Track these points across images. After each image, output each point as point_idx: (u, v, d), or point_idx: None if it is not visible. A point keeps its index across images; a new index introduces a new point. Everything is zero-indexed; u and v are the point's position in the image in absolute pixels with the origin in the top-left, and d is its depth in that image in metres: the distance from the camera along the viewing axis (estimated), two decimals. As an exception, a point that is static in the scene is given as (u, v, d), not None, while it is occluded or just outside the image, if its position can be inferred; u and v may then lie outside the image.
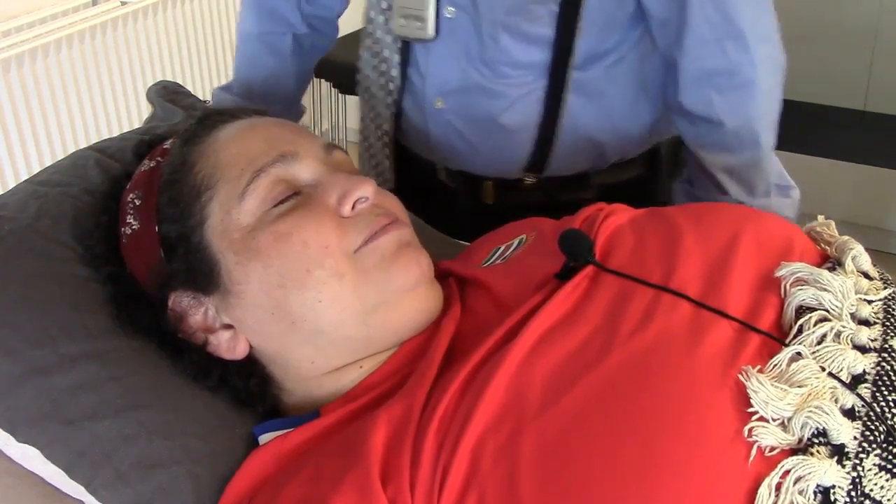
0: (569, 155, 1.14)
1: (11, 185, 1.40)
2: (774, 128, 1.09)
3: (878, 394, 0.65)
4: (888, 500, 0.60)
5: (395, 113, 1.21)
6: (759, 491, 0.59)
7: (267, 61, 1.27)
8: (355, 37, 3.16)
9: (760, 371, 0.65)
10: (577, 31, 1.07)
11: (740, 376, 0.64)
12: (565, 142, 1.12)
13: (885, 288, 0.75)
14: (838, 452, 0.61)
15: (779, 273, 0.74)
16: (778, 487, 0.59)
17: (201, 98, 1.18)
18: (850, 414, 0.63)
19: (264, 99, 1.26)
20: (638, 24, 1.10)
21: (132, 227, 0.83)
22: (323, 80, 2.85)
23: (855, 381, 0.66)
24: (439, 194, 1.26)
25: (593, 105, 1.11)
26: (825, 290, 0.71)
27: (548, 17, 1.06)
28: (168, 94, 1.12)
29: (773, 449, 0.61)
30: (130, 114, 2.44)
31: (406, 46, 1.15)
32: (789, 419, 0.62)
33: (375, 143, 1.27)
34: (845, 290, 0.71)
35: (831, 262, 0.78)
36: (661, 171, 1.23)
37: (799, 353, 0.67)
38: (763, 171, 1.09)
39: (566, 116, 1.11)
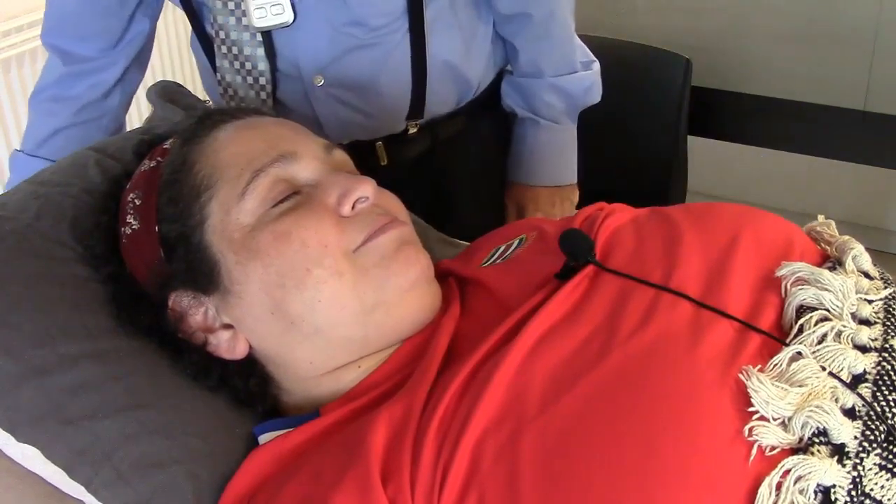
0: (440, 90, 1.23)
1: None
2: (572, 14, 1.29)
3: (878, 393, 0.65)
4: (888, 499, 0.60)
5: (272, 108, 1.20)
6: (760, 490, 0.59)
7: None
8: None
9: (761, 370, 0.65)
10: None
11: (741, 376, 0.64)
12: (434, 77, 1.21)
13: (886, 287, 0.75)
14: (839, 452, 0.61)
15: (779, 273, 0.74)
16: (778, 487, 0.59)
17: (201, 98, 1.18)
18: (850, 413, 0.63)
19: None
20: None
21: (132, 226, 0.83)
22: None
23: (855, 381, 0.66)
24: None
25: (446, 38, 1.20)
26: (826, 289, 0.71)
27: None
28: (168, 94, 1.12)
29: (773, 448, 0.61)
30: (130, 114, 2.43)
31: (268, 38, 1.15)
32: (790, 419, 0.62)
33: None
34: (846, 290, 0.71)
35: (832, 261, 0.78)
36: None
37: (799, 353, 0.67)
38: (569, 51, 1.30)
39: (430, 52, 1.19)
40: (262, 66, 1.16)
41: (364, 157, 1.19)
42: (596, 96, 1.35)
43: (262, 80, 1.17)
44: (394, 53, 1.18)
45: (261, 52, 1.15)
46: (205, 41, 1.21)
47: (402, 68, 1.19)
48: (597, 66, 1.34)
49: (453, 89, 1.26)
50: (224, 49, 1.16)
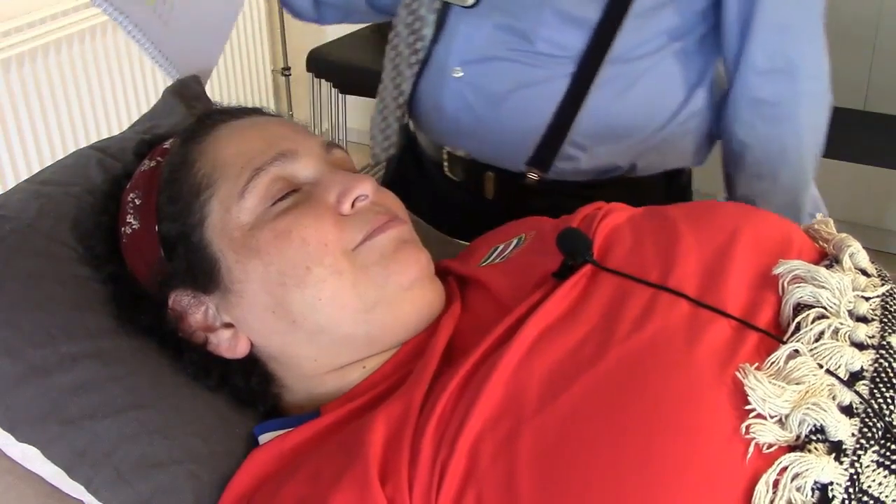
0: (577, 153, 1.13)
1: (11, 185, 1.40)
2: (815, 161, 1.13)
3: (875, 390, 0.65)
4: (886, 496, 0.60)
5: (415, 75, 1.19)
6: (757, 488, 0.59)
7: None
8: (355, 37, 3.16)
9: (758, 368, 0.65)
10: (623, 23, 1.06)
11: (738, 374, 0.64)
12: (576, 138, 1.11)
13: (883, 284, 0.75)
14: (836, 449, 0.61)
15: (776, 271, 0.74)
16: (776, 484, 0.59)
17: (212, 99, 1.18)
18: (847, 411, 0.63)
19: None
20: (681, 36, 1.10)
21: (132, 226, 0.83)
22: (323, 81, 2.85)
23: (853, 378, 0.66)
24: (441, 191, 1.25)
25: (616, 103, 1.10)
26: (823, 287, 0.71)
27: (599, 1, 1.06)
28: (182, 89, 1.11)
29: (770, 446, 0.61)
30: (130, 113, 2.44)
31: (443, 11, 1.14)
32: (787, 416, 0.62)
33: (391, 103, 1.25)
34: (843, 287, 0.71)
35: (829, 259, 0.78)
36: (675, 201, 1.20)
37: (797, 351, 0.67)
38: (798, 201, 1.15)
39: (585, 110, 1.09)
40: (427, 31, 1.15)
41: (472, 179, 1.19)
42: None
43: (419, 45, 1.16)
44: (544, 87, 1.10)
45: (431, 18, 1.14)
46: None
47: (545, 107, 1.10)
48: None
49: (591, 163, 1.14)
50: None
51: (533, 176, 1.15)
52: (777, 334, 0.70)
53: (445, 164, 1.24)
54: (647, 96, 1.11)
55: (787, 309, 0.71)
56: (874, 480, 0.60)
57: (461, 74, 1.13)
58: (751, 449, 0.61)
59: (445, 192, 1.26)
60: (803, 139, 1.12)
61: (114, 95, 2.39)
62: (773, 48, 1.07)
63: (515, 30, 1.08)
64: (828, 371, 0.66)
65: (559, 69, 1.09)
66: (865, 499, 0.60)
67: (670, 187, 1.21)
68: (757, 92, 1.10)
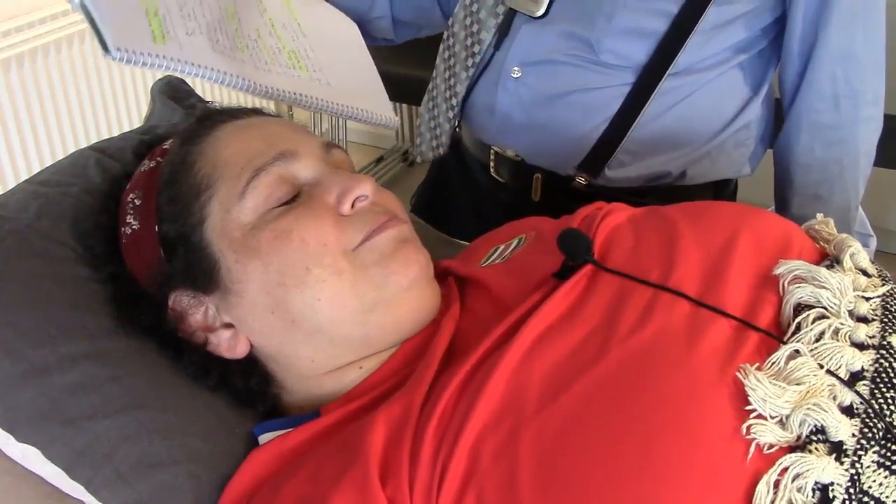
0: (629, 161, 1.13)
1: (11, 185, 1.39)
2: (865, 182, 1.16)
3: (876, 391, 0.65)
4: (887, 496, 0.60)
5: (471, 77, 1.19)
6: (758, 488, 0.59)
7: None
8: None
9: (759, 369, 0.65)
10: (690, 38, 1.06)
11: (738, 374, 0.64)
12: (630, 146, 1.12)
13: (884, 285, 0.75)
14: (837, 449, 0.61)
15: (777, 271, 0.74)
16: (776, 485, 0.59)
17: (203, 97, 1.18)
18: (848, 411, 0.63)
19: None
20: (745, 50, 1.10)
21: (132, 226, 0.83)
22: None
23: (853, 379, 0.66)
24: (485, 191, 1.25)
25: (672, 113, 1.11)
26: (823, 287, 0.71)
27: (666, 12, 1.06)
28: (172, 91, 1.12)
29: (771, 446, 0.61)
30: (130, 114, 2.44)
31: (508, 17, 1.14)
32: (788, 416, 0.62)
33: (442, 103, 1.25)
34: (843, 288, 0.71)
35: (830, 259, 0.78)
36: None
37: (797, 351, 0.67)
38: (849, 219, 1.17)
39: (641, 120, 1.10)
40: (486, 35, 1.15)
41: (520, 180, 1.19)
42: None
43: (477, 48, 1.16)
44: (601, 94, 1.10)
45: (492, 22, 1.15)
46: None
47: (600, 113, 1.11)
48: (874, 243, 1.22)
49: (642, 170, 1.15)
50: (468, 0, 1.17)
51: (581, 180, 1.15)
52: (777, 334, 0.70)
53: (492, 163, 1.24)
54: (704, 107, 1.12)
55: (788, 309, 0.71)
56: (875, 481, 0.60)
57: (519, 75, 1.13)
58: (751, 449, 0.61)
59: (489, 192, 1.26)
60: (860, 162, 1.13)
61: (113, 96, 2.38)
62: (838, 75, 1.08)
63: (580, 38, 1.09)
64: (828, 371, 0.66)
65: (619, 78, 1.09)
66: (866, 499, 0.60)
67: (717, 197, 1.21)
68: (819, 116, 1.10)
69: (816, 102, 1.10)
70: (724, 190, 1.22)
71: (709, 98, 1.11)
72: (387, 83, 1.15)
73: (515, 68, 1.13)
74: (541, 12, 1.09)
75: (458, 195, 1.36)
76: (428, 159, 1.33)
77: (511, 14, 1.13)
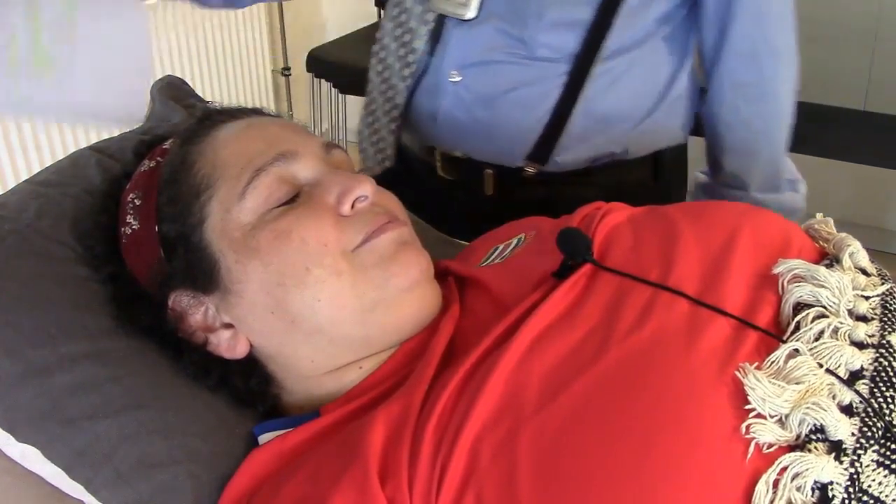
0: (575, 145, 1.16)
1: (11, 185, 1.39)
2: (788, 130, 1.20)
3: (875, 390, 0.65)
4: (886, 495, 0.60)
5: (409, 87, 1.19)
6: (757, 487, 0.59)
7: None
8: (355, 36, 3.15)
9: (758, 368, 0.65)
10: (614, 21, 1.10)
11: (738, 373, 0.64)
12: (574, 131, 1.14)
13: (883, 284, 0.75)
14: (836, 449, 0.61)
15: (776, 270, 0.74)
16: (776, 484, 0.59)
17: (203, 97, 1.18)
18: (847, 410, 0.63)
19: None
20: (668, 21, 1.14)
21: (132, 226, 0.83)
22: (323, 81, 2.85)
23: (852, 378, 0.66)
24: (437, 195, 1.25)
25: (609, 95, 1.14)
26: (822, 286, 0.71)
27: (590, 0, 1.09)
28: (171, 91, 1.12)
29: (770, 445, 0.61)
30: (130, 114, 2.44)
31: (439, 22, 1.15)
32: (787, 416, 0.62)
33: (382, 116, 1.26)
34: (842, 287, 0.71)
35: (829, 258, 0.78)
36: (664, 176, 1.26)
37: (796, 350, 0.67)
38: (778, 169, 1.22)
39: (581, 105, 1.13)
40: (419, 43, 1.16)
41: (470, 177, 1.21)
42: (798, 216, 1.25)
43: (411, 58, 1.17)
44: (540, 86, 1.13)
45: (423, 30, 1.15)
46: None
47: (541, 105, 1.14)
48: (804, 187, 1.27)
49: (588, 150, 1.18)
50: (395, 12, 1.17)
51: (531, 169, 1.18)
52: (777, 333, 0.70)
53: (438, 164, 1.24)
54: (637, 84, 1.16)
55: (787, 308, 0.71)
56: (874, 480, 0.60)
57: (458, 78, 1.15)
58: (751, 448, 0.61)
59: (440, 192, 1.26)
60: (783, 116, 1.18)
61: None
62: (755, 33, 1.13)
63: (513, 36, 1.11)
64: (828, 370, 0.66)
65: (555, 69, 1.12)
66: (865, 498, 0.60)
67: (658, 164, 1.25)
68: (740, 75, 1.15)
69: (737, 62, 1.14)
70: (662, 156, 1.25)
71: (641, 74, 1.15)
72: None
73: (453, 72, 1.15)
74: (471, 15, 1.11)
75: (406, 199, 1.37)
76: (376, 173, 1.34)
77: (441, 20, 1.15)
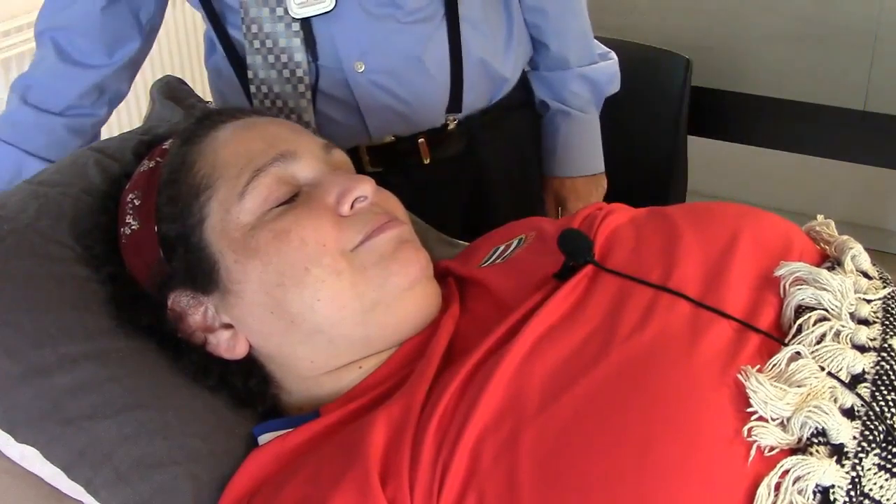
0: (475, 85, 1.25)
1: (11, 184, 1.39)
2: (585, 11, 1.36)
3: (877, 393, 0.65)
4: (887, 499, 0.60)
5: (311, 101, 1.18)
6: (759, 490, 0.59)
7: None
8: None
9: (759, 371, 0.65)
10: None
11: (739, 376, 0.64)
12: (470, 72, 1.23)
13: (885, 287, 0.75)
14: (837, 452, 0.61)
15: (778, 272, 0.74)
16: (777, 487, 0.59)
17: (203, 97, 1.18)
18: (849, 413, 0.63)
19: None
20: None
21: (131, 227, 0.83)
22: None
23: (854, 381, 0.66)
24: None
25: (479, 33, 1.23)
26: (824, 289, 0.71)
27: None
28: (171, 91, 1.12)
29: (772, 449, 0.61)
30: (130, 114, 2.44)
31: (306, 27, 1.14)
32: (788, 419, 0.62)
33: None
34: (844, 290, 0.71)
35: (830, 261, 0.78)
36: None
37: (798, 353, 0.67)
38: (590, 42, 1.37)
39: (465, 45, 1.21)
40: (299, 56, 1.14)
41: (407, 155, 1.25)
42: (617, 85, 1.40)
43: (300, 73, 1.15)
44: (432, 39, 1.19)
45: (297, 42, 1.14)
46: (226, 44, 1.20)
47: (440, 56, 1.20)
48: (614, 56, 1.39)
49: (488, 85, 1.28)
50: (257, 44, 1.15)
51: (452, 122, 1.25)
52: (778, 336, 0.70)
53: (366, 160, 1.25)
54: (492, 16, 1.25)
55: (789, 311, 0.71)
56: (876, 484, 0.60)
57: (363, 68, 1.16)
58: (752, 451, 0.61)
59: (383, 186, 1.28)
60: None
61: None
62: None
63: (384, 3, 1.14)
64: (829, 374, 0.65)
65: (435, 20, 1.18)
66: (867, 502, 0.60)
67: (524, 85, 1.38)
68: None
69: None
70: (525, 80, 1.37)
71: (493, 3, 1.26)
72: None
73: (357, 63, 1.16)
74: (331, 6, 1.12)
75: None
76: None
77: (307, 24, 1.14)
